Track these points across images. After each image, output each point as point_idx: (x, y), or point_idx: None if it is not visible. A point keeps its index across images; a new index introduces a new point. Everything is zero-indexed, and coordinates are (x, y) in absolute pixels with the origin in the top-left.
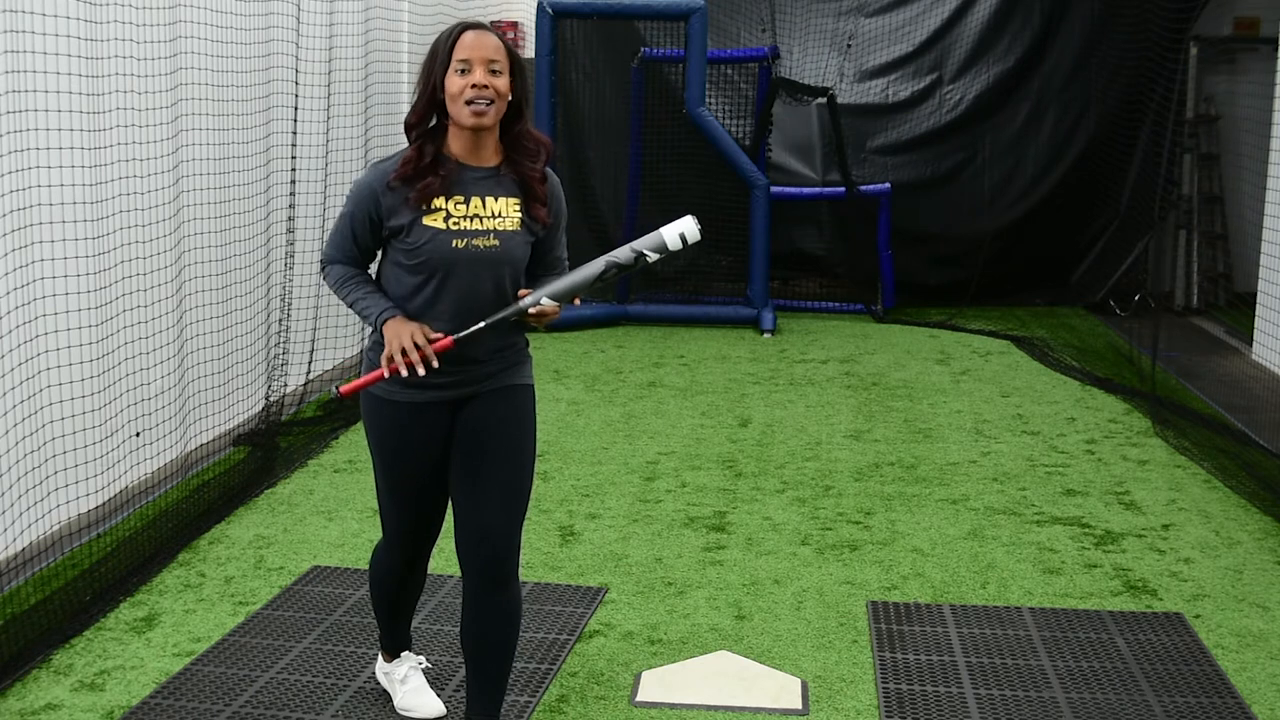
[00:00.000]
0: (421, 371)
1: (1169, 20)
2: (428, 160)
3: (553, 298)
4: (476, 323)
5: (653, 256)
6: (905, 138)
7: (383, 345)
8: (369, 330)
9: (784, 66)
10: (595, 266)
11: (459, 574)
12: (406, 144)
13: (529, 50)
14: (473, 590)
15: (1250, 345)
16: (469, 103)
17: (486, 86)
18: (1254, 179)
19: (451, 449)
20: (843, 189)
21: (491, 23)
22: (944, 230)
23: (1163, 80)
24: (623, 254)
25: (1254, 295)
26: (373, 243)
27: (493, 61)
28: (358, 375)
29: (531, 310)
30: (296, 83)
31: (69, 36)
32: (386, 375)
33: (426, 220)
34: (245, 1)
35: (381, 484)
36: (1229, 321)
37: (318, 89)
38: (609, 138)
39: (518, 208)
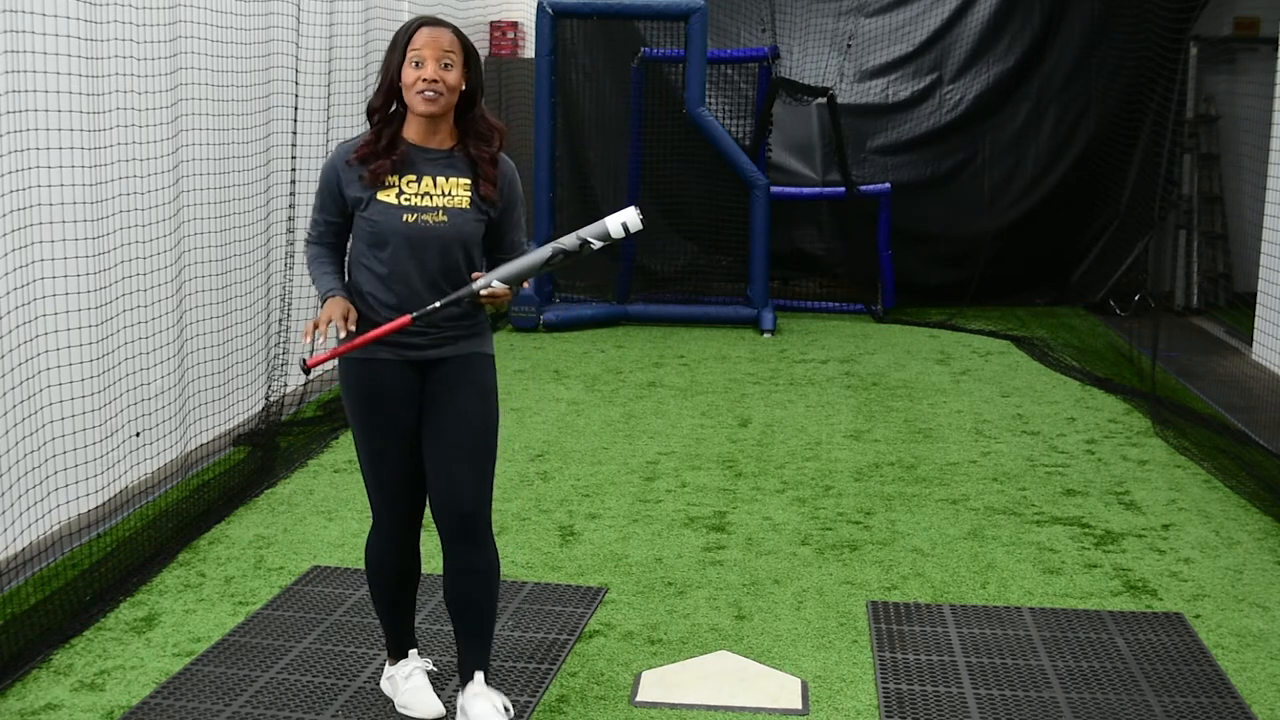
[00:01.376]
0: (321, 340)
1: (1169, 20)
2: (384, 143)
3: (503, 280)
4: (427, 297)
5: (596, 244)
6: (905, 138)
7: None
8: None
9: (784, 66)
10: (543, 253)
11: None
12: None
13: (529, 50)
14: (450, 551)
15: (1250, 345)
16: (420, 93)
17: (437, 80)
18: (1254, 179)
19: (424, 417)
20: (843, 189)
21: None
22: (944, 230)
23: (1163, 80)
24: (568, 241)
25: (1254, 295)
26: (339, 215)
27: (446, 54)
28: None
29: (483, 292)
30: (296, 83)
31: (69, 36)
32: (307, 340)
33: (380, 196)
34: (245, 1)
35: (364, 454)
36: (1229, 321)
37: (318, 89)
38: (609, 138)
39: (468, 188)
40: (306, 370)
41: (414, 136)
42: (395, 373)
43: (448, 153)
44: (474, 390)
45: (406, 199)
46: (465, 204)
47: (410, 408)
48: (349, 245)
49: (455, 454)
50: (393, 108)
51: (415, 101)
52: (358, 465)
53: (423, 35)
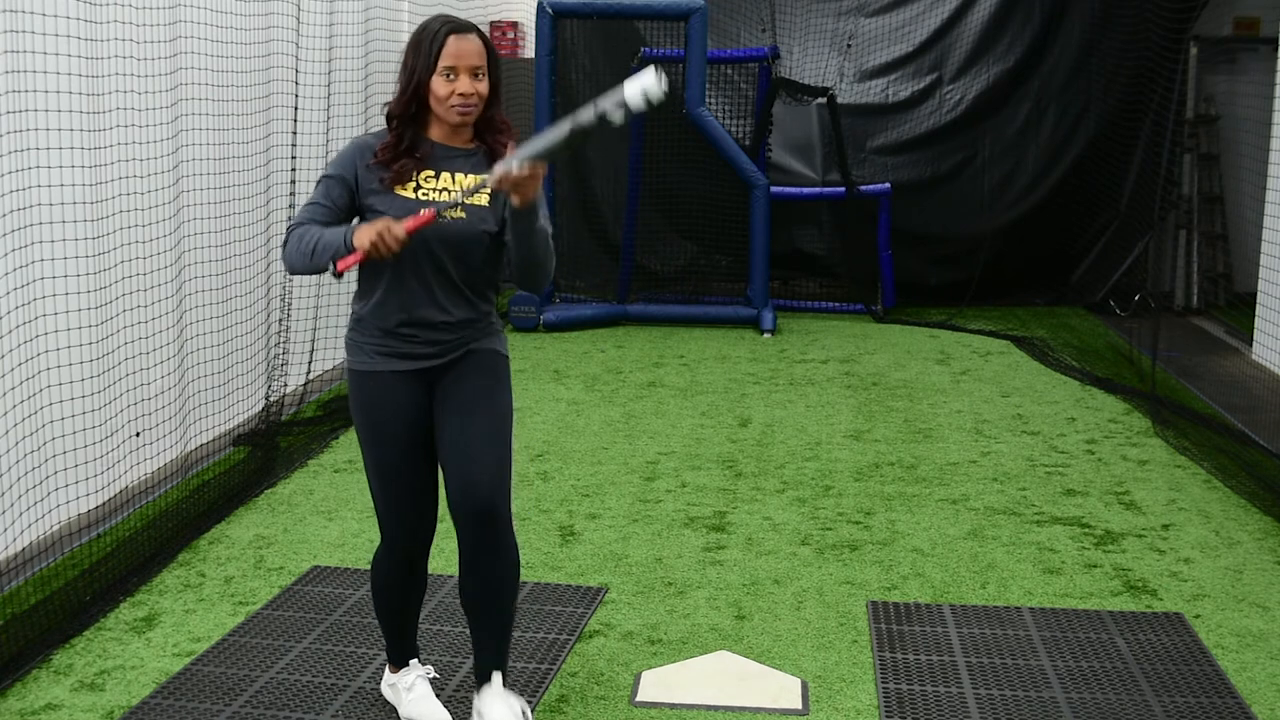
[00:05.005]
0: (395, 247)
1: (1169, 20)
2: (405, 145)
3: (524, 160)
4: (443, 302)
5: (616, 116)
6: (905, 138)
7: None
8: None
9: (784, 66)
10: (561, 128)
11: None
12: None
13: (529, 50)
14: (468, 547)
15: (1250, 345)
16: (454, 107)
17: (473, 94)
18: (1254, 179)
19: (435, 419)
20: (843, 189)
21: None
22: (944, 230)
23: (1163, 80)
24: (585, 115)
25: (1254, 295)
26: (345, 206)
27: (476, 68)
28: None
29: (498, 173)
30: (296, 83)
31: (69, 36)
32: (363, 256)
33: (398, 189)
34: (245, 1)
35: (371, 468)
36: (1229, 321)
37: (318, 89)
38: (609, 138)
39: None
40: (338, 275)
41: (437, 136)
42: (405, 385)
43: (470, 151)
44: (486, 381)
45: (424, 194)
46: (483, 201)
47: (422, 420)
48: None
49: (473, 446)
50: (413, 110)
51: (449, 115)
52: (357, 466)
53: (452, 45)
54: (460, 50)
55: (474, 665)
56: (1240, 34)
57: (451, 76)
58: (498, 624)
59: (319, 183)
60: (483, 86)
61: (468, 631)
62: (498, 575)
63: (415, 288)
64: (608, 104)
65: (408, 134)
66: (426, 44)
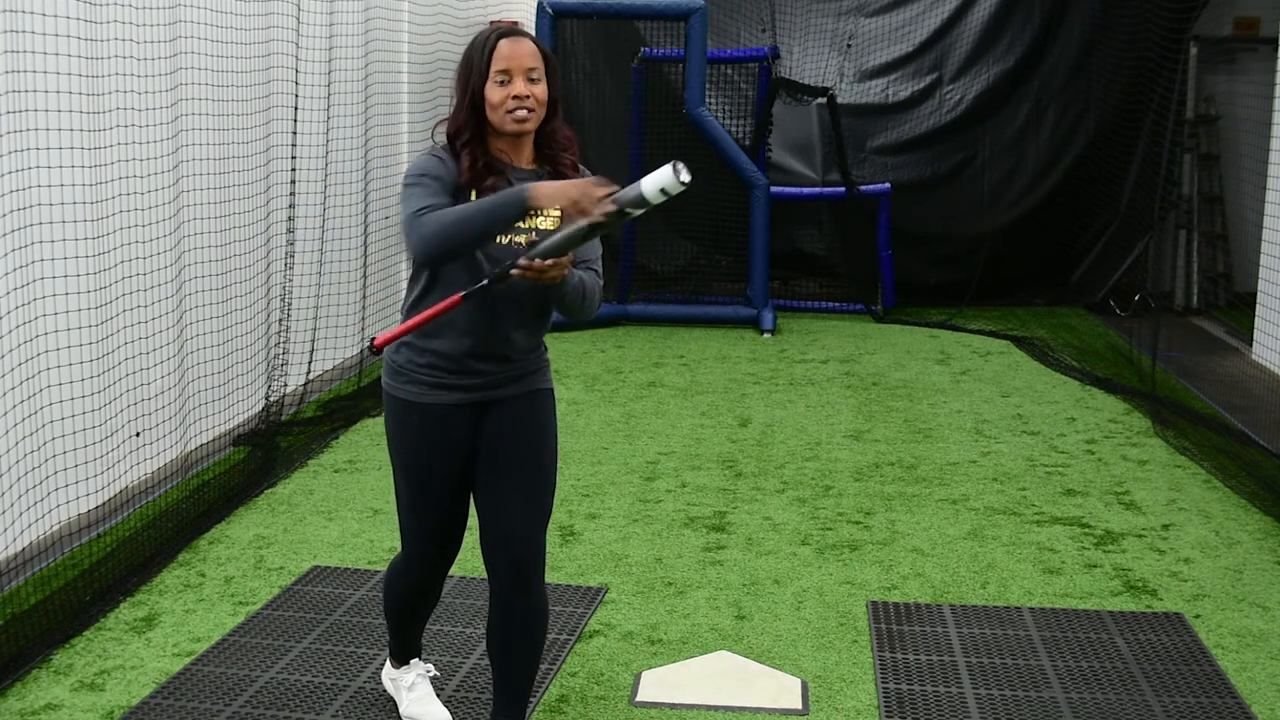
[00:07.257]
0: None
1: (1169, 20)
2: (483, 164)
3: (542, 256)
4: (510, 334)
5: (635, 211)
6: (905, 138)
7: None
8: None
9: (784, 66)
10: (579, 222)
11: (459, 575)
12: (406, 140)
13: None
14: (499, 594)
15: (1250, 345)
16: (510, 112)
17: (528, 96)
18: (1254, 179)
19: (475, 456)
20: (843, 189)
21: (490, 22)
22: (944, 230)
23: (1163, 80)
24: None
25: (1254, 295)
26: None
27: (531, 69)
28: (358, 376)
29: (521, 262)
30: (296, 83)
31: (69, 36)
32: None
33: None
34: (245, 1)
35: (404, 494)
36: (1229, 321)
37: (318, 89)
38: (609, 138)
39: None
40: (376, 351)
41: (499, 155)
42: (452, 420)
43: (534, 173)
44: (533, 432)
45: None
46: (553, 226)
47: (465, 451)
48: (422, 276)
49: (511, 499)
50: (469, 129)
51: (504, 121)
52: (357, 466)
53: (504, 48)
54: (513, 53)
55: (491, 712)
56: (1240, 34)
57: (505, 81)
58: (520, 675)
59: (421, 179)
60: (540, 90)
61: (468, 631)
62: (524, 627)
63: (499, 317)
64: (625, 201)
65: (480, 155)
66: (478, 53)
